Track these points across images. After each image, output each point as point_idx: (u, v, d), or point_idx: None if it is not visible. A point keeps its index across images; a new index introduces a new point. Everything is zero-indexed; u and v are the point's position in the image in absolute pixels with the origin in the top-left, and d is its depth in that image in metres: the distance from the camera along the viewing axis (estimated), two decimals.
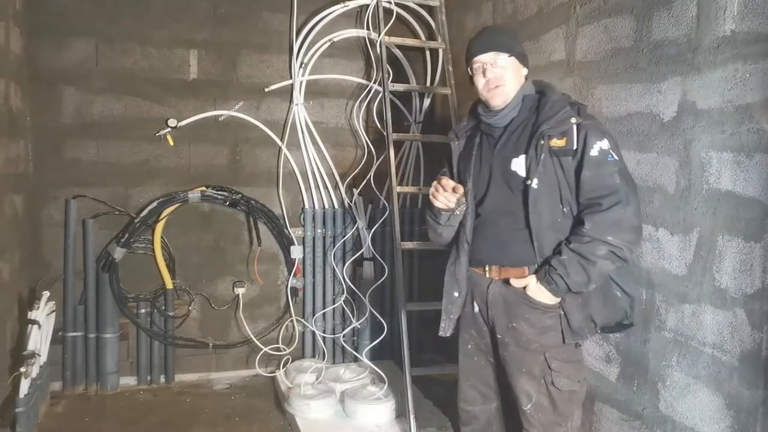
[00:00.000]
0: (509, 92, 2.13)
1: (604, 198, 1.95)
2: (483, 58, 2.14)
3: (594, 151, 1.97)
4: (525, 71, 2.19)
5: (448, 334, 2.30)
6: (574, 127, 2.01)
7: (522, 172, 2.06)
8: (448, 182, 2.16)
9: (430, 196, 2.20)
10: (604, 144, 1.98)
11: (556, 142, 2.01)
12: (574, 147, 2.00)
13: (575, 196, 2.03)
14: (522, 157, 2.07)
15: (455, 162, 2.33)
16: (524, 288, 2.05)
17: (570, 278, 1.95)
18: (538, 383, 2.07)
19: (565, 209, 2.03)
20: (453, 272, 2.25)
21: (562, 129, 2.02)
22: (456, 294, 2.25)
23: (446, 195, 2.14)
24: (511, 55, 2.13)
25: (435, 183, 2.19)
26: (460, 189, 2.15)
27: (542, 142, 2.02)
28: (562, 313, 2.04)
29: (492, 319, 2.16)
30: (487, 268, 2.17)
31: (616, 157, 1.98)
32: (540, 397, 2.07)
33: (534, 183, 2.03)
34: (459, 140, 2.34)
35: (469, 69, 2.21)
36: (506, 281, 2.11)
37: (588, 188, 1.98)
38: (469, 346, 2.29)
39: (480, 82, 2.16)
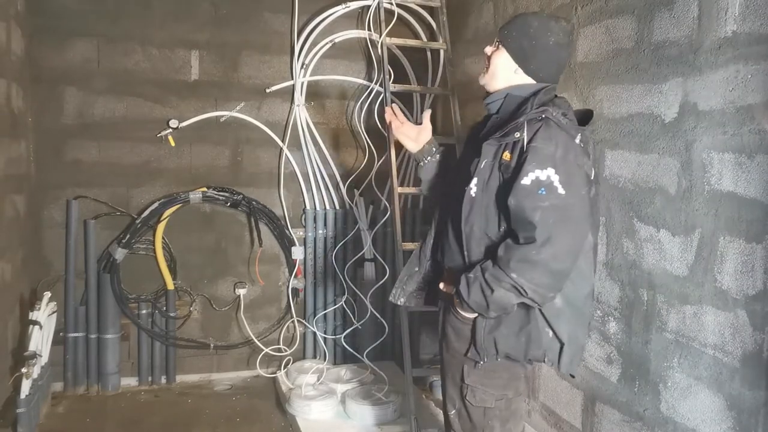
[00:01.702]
0: (489, 80, 2.02)
1: (522, 232, 1.77)
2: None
3: (526, 180, 1.75)
4: (520, 71, 1.97)
5: (399, 303, 2.27)
6: (523, 144, 1.80)
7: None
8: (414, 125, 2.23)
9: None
10: (544, 174, 1.75)
11: (506, 156, 1.84)
12: (513, 166, 1.82)
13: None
14: (475, 161, 1.96)
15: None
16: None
17: (470, 297, 1.83)
18: (457, 392, 2.02)
19: (501, 228, 1.86)
20: (420, 248, 2.23)
21: (508, 141, 1.85)
22: (416, 269, 2.23)
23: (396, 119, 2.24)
24: (500, 45, 1.99)
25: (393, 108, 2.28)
26: (426, 132, 2.21)
27: (486, 149, 1.89)
28: (473, 326, 1.93)
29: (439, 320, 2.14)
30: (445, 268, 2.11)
31: (561, 191, 1.74)
32: (460, 406, 2.02)
33: (472, 191, 1.90)
34: (476, 126, 2.25)
35: None
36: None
37: (512, 217, 1.80)
38: (444, 343, 2.26)
39: None
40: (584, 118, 2.00)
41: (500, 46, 1.99)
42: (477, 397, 1.96)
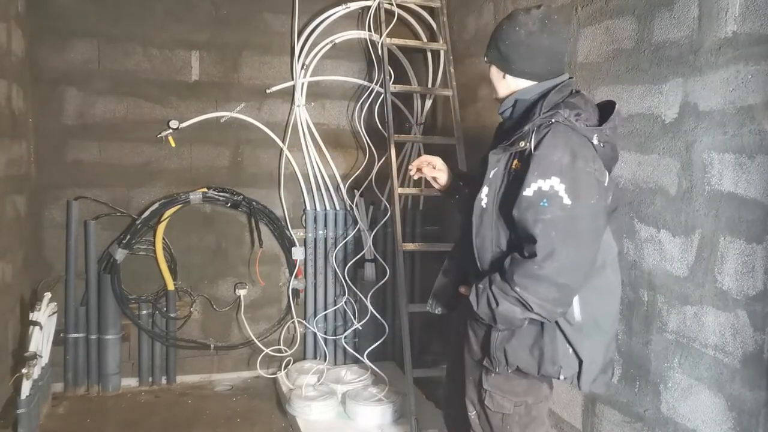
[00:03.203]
0: (496, 96, 2.03)
1: (526, 245, 1.73)
2: None
3: (528, 191, 1.70)
4: (509, 77, 1.95)
5: (436, 312, 2.25)
6: (528, 151, 1.76)
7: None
8: (435, 161, 2.20)
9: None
10: (547, 184, 1.68)
11: (516, 164, 1.80)
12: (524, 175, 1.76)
13: None
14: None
15: None
16: None
17: (479, 309, 1.82)
18: (477, 395, 1.99)
19: (511, 239, 1.83)
20: (450, 257, 2.23)
21: (517, 149, 1.80)
22: (447, 279, 2.21)
23: (420, 166, 2.22)
24: (487, 61, 2.01)
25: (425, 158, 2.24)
26: (442, 176, 2.19)
27: (494, 158, 1.86)
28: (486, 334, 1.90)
29: (460, 324, 2.10)
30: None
31: (567, 202, 1.68)
32: (479, 409, 2.00)
33: (483, 202, 1.86)
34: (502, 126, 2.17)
35: None
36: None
37: (518, 228, 1.76)
38: (452, 345, 2.23)
39: None
40: (606, 110, 1.89)
41: (486, 62, 2.01)
42: (495, 403, 1.93)
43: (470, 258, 1.95)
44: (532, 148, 1.74)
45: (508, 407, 1.91)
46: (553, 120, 1.76)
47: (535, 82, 1.92)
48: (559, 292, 1.72)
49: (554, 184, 1.68)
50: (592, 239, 1.75)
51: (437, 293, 2.24)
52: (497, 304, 1.75)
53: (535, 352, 1.84)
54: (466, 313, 1.96)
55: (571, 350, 1.83)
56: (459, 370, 2.12)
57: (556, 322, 1.80)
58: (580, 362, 1.83)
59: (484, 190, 1.85)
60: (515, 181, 1.77)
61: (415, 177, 2.27)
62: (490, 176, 1.84)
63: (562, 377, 1.85)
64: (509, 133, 1.92)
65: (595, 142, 1.79)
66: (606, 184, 1.80)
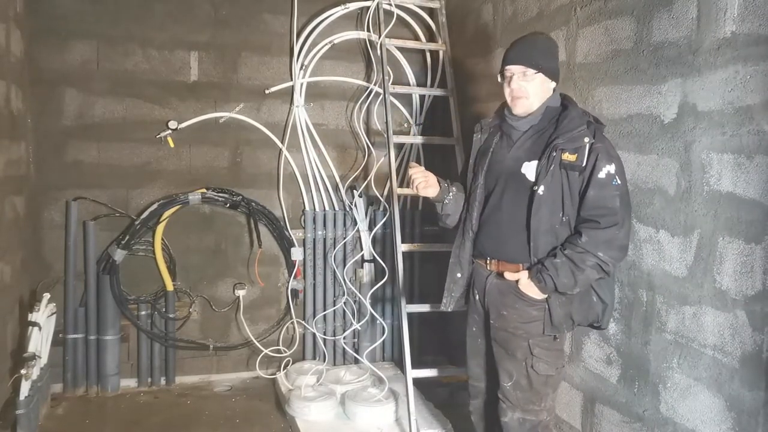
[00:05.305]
0: (531, 104, 2.28)
1: (603, 217, 2.11)
2: (512, 69, 2.28)
3: (602, 174, 2.11)
4: (553, 85, 2.31)
5: (449, 309, 2.56)
6: (587, 146, 2.14)
7: (531, 177, 2.23)
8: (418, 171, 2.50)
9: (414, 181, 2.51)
10: (612, 168, 2.11)
11: (568, 157, 2.16)
12: (584, 164, 2.14)
13: (576, 209, 2.18)
14: (534, 163, 2.23)
15: (473, 154, 2.53)
16: (517, 282, 2.24)
17: (559, 280, 2.14)
18: (519, 365, 2.29)
19: (564, 218, 2.19)
20: (458, 255, 2.48)
21: (575, 145, 2.16)
22: (459, 275, 2.49)
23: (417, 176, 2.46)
24: (538, 72, 2.25)
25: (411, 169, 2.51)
26: (431, 178, 2.47)
27: (554, 153, 2.17)
28: (546, 307, 2.23)
29: (487, 306, 2.38)
30: (487, 261, 2.37)
31: (620, 182, 2.12)
32: (520, 377, 2.29)
33: (540, 190, 2.18)
34: (482, 134, 2.52)
35: (499, 74, 2.35)
36: (501, 274, 2.31)
37: (590, 206, 2.14)
38: (474, 329, 2.50)
39: (506, 89, 2.32)
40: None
41: (531, 72, 2.24)
42: (542, 367, 2.26)
43: (506, 242, 2.28)
44: (590, 142, 2.15)
45: (552, 370, 2.28)
46: (588, 120, 2.21)
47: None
48: (622, 252, 2.17)
49: (614, 167, 2.13)
50: (631, 209, 2.22)
51: (452, 291, 2.53)
52: (582, 271, 2.12)
53: (584, 305, 2.26)
54: (499, 295, 2.31)
55: (596, 297, 2.26)
56: (482, 354, 2.45)
57: None
58: (605, 306, 2.28)
59: (541, 180, 2.18)
60: (570, 170, 2.16)
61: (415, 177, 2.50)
62: (551, 169, 2.17)
63: (596, 321, 2.29)
64: (542, 134, 2.26)
65: None
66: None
